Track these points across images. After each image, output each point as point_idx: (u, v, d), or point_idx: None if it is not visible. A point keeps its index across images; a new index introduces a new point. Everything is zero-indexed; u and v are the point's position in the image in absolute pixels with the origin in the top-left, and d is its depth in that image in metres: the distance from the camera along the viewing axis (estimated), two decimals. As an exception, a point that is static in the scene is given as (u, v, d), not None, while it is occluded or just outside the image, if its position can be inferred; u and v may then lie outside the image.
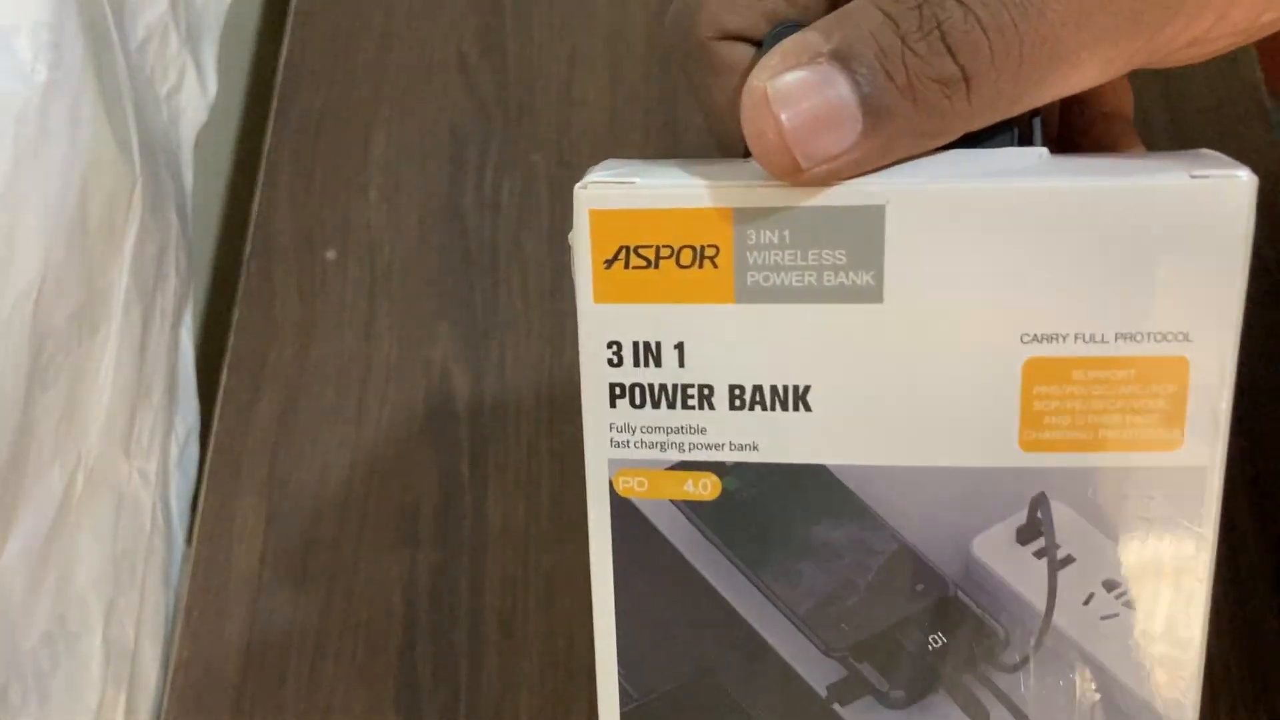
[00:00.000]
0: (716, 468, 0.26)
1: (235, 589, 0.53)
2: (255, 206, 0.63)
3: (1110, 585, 0.26)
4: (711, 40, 0.28)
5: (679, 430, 0.26)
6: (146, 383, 0.52)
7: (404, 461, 0.56)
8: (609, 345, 0.26)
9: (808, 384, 0.25)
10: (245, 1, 0.72)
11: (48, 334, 0.43)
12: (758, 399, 0.26)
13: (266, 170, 0.64)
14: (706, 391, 0.26)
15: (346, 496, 0.55)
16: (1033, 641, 0.26)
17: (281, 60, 0.67)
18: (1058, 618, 0.26)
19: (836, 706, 0.27)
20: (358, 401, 0.57)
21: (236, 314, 0.60)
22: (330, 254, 0.61)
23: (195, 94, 0.58)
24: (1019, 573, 0.26)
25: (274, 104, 0.66)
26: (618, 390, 0.26)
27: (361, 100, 0.66)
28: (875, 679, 0.26)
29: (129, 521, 0.51)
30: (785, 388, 0.25)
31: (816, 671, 0.27)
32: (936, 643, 0.26)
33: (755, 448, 0.26)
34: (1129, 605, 0.26)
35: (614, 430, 0.26)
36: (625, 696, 0.27)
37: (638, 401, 0.26)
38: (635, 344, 0.26)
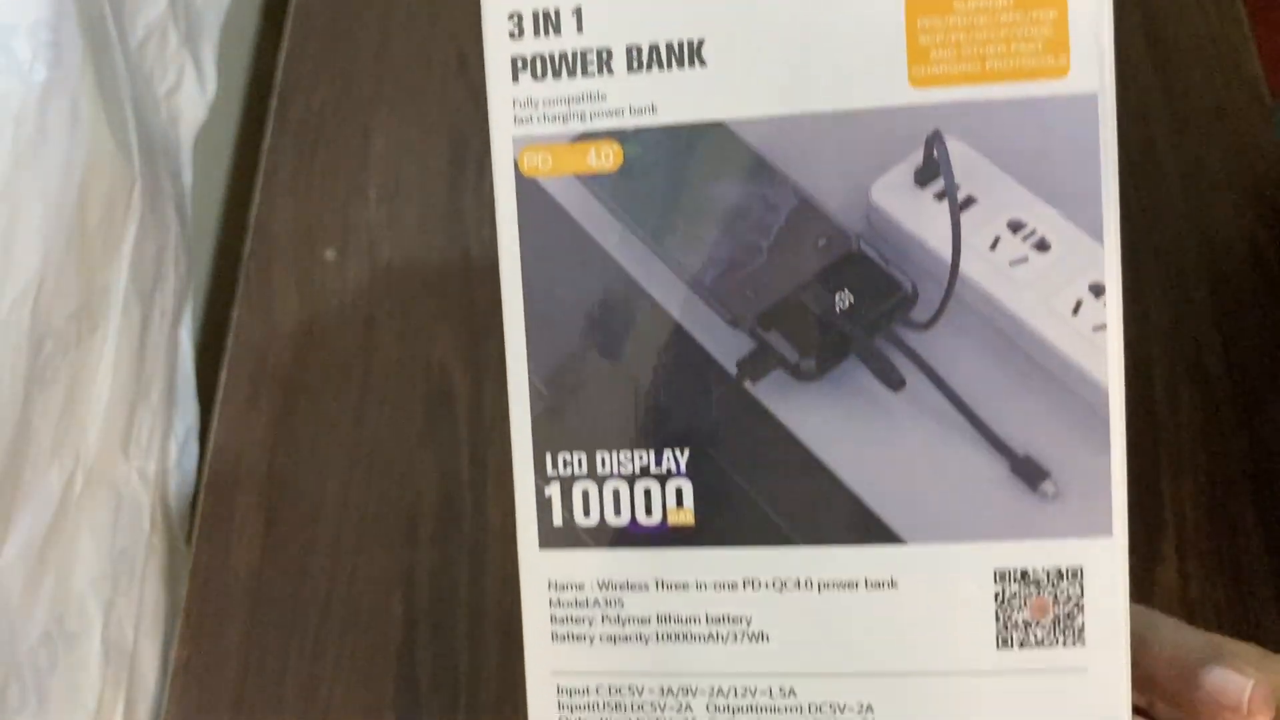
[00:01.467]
0: (618, 135, 0.26)
1: (235, 589, 0.53)
2: (255, 206, 0.63)
3: (1016, 226, 0.25)
4: None
5: (580, 99, 0.26)
6: (145, 382, 0.52)
7: (404, 461, 0.56)
8: (510, 17, 0.27)
9: (701, 37, 0.26)
10: (245, 1, 0.72)
11: (46, 334, 0.43)
12: (654, 58, 0.26)
13: (266, 170, 0.64)
14: (605, 55, 0.26)
15: (346, 496, 0.55)
16: (942, 293, 0.26)
17: (281, 60, 0.67)
18: (965, 266, 0.26)
19: (748, 384, 0.26)
20: (358, 401, 0.57)
21: (236, 314, 0.60)
22: (330, 254, 0.61)
23: (194, 93, 0.58)
24: (921, 217, 0.26)
25: (273, 104, 0.66)
26: (520, 63, 0.27)
27: (361, 100, 0.66)
28: (784, 349, 0.26)
29: (128, 521, 0.51)
30: (680, 43, 0.26)
31: (726, 348, 0.26)
32: (844, 303, 0.26)
33: (654, 109, 0.26)
34: (1038, 248, 0.25)
35: (517, 106, 0.27)
36: (536, 396, 0.27)
37: (539, 73, 0.26)
38: (535, 13, 0.26)
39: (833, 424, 0.26)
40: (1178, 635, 0.27)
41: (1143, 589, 0.51)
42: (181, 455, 0.57)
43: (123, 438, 0.50)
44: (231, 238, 0.68)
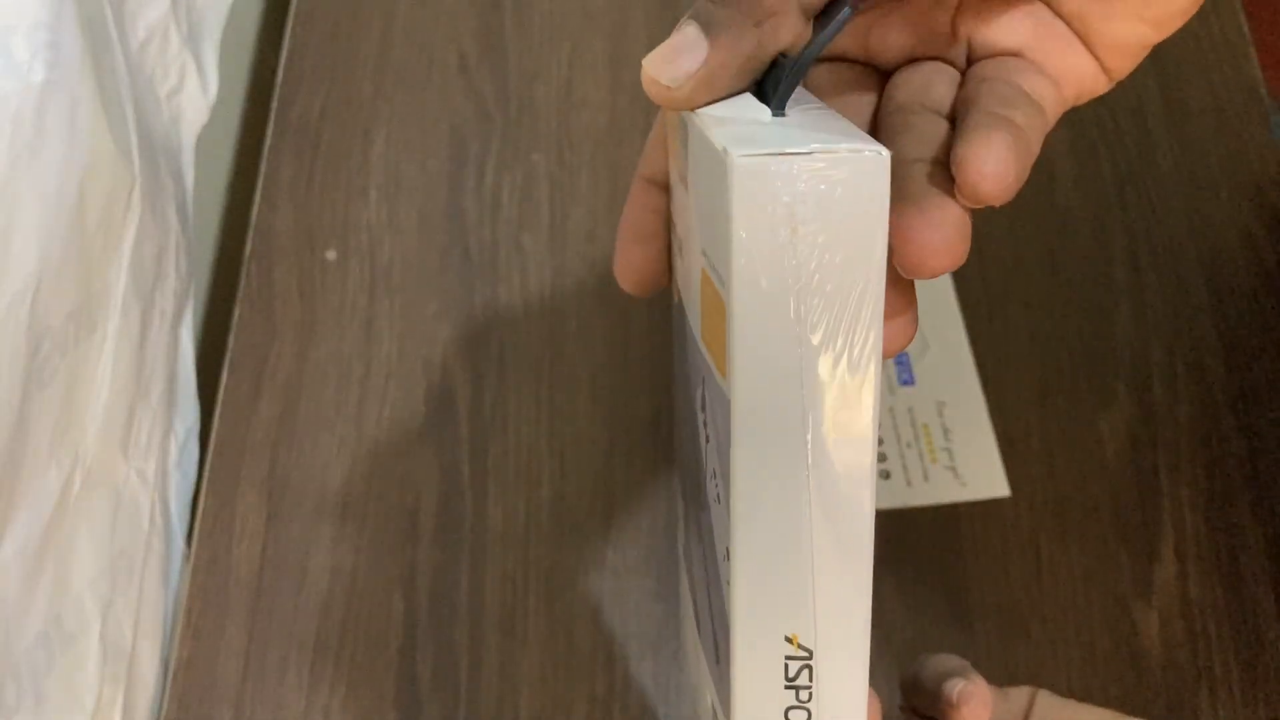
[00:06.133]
0: None
1: (235, 589, 0.53)
2: (255, 206, 0.63)
3: None
4: None
5: None
6: (145, 382, 0.52)
7: (404, 461, 0.56)
8: None
9: None
10: (246, 2, 0.72)
11: (44, 333, 0.43)
12: None
13: (267, 171, 0.64)
14: None
15: (346, 496, 0.55)
16: None
17: (281, 60, 0.68)
18: None
19: None
20: (358, 401, 0.57)
21: (236, 314, 0.60)
22: (330, 254, 0.61)
23: (196, 94, 0.58)
24: None
25: (274, 104, 0.66)
26: None
27: (361, 100, 0.66)
28: None
29: (127, 522, 0.51)
30: None
31: None
32: None
33: None
34: None
35: None
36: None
37: None
38: None
39: None
40: (944, 661, 0.39)
41: (1142, 590, 0.51)
42: (181, 455, 0.57)
43: (122, 438, 0.50)
44: (232, 238, 0.68)
